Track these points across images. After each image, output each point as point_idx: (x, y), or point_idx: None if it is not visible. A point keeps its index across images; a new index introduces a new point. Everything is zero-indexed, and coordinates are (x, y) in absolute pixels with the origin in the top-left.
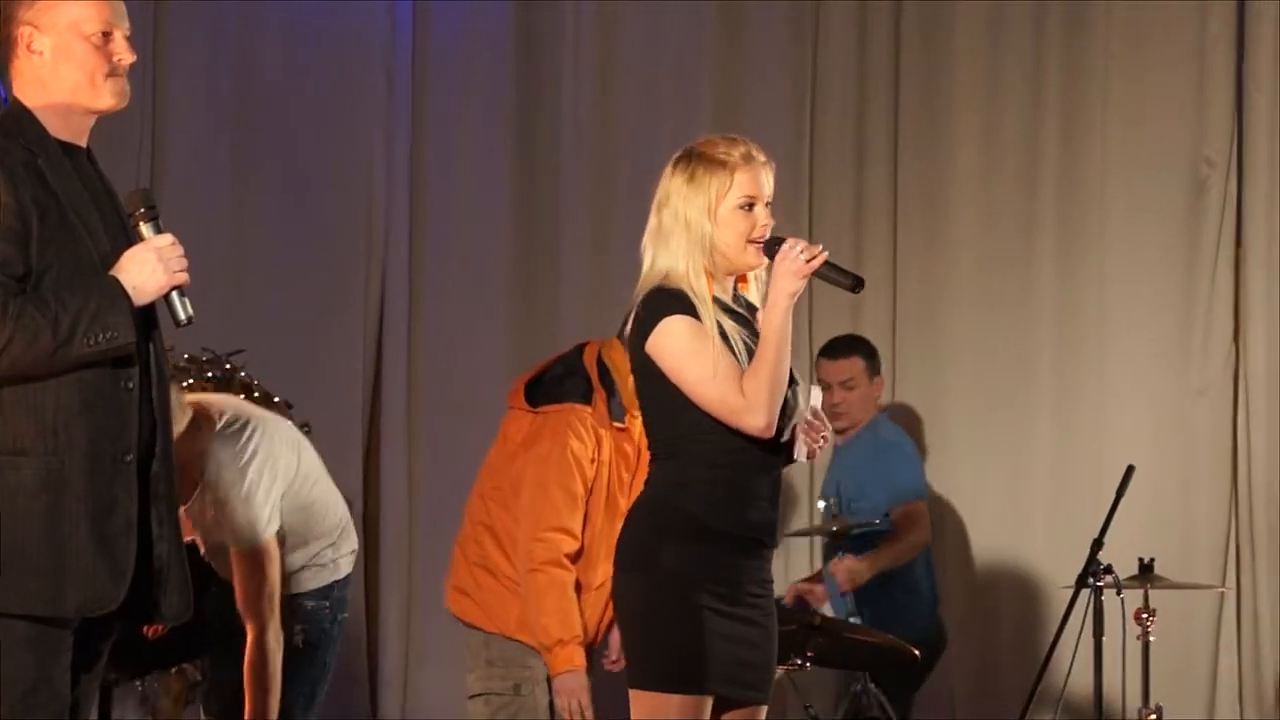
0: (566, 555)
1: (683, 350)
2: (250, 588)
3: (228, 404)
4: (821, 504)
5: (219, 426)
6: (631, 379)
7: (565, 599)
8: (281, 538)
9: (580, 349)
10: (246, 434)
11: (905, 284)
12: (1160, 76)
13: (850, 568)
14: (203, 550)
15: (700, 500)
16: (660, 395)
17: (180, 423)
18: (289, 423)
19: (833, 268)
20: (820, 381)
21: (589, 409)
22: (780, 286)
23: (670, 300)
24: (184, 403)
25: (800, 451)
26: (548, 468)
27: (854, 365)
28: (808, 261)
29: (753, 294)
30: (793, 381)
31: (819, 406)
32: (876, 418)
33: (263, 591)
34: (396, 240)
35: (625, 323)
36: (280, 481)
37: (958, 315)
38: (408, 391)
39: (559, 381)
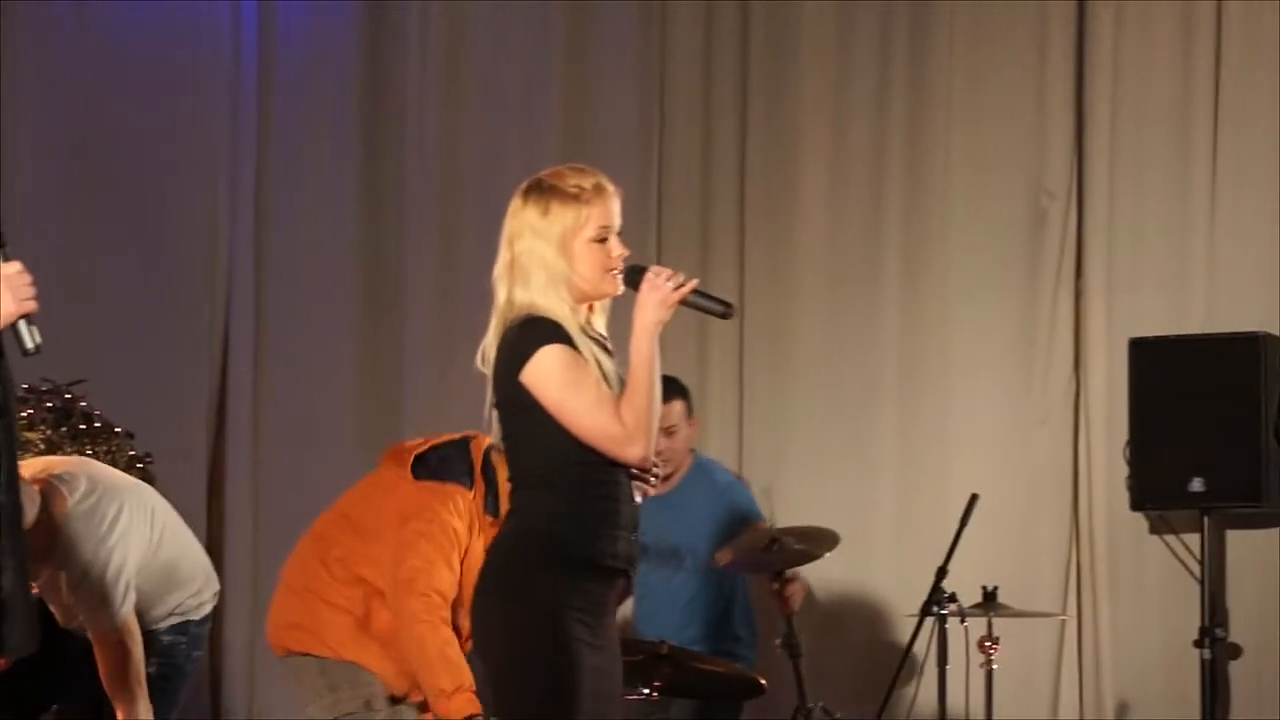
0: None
1: (562, 380)
2: (114, 668)
3: (77, 473)
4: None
5: (71, 504)
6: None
7: (453, 649)
8: (138, 609)
9: (468, 439)
10: (101, 512)
11: (753, 302)
12: (1001, 108)
13: (802, 588)
14: (59, 619)
15: (576, 530)
16: (533, 426)
17: (30, 513)
18: (143, 486)
19: (702, 295)
20: None
21: (471, 494)
22: (648, 315)
23: (546, 330)
24: (31, 491)
25: (638, 493)
26: (432, 541)
27: (675, 410)
28: (675, 290)
29: (599, 322)
30: None
31: None
32: (699, 460)
33: (128, 671)
34: (241, 265)
35: (489, 362)
36: (134, 557)
37: (805, 335)
38: (253, 420)
39: (446, 462)
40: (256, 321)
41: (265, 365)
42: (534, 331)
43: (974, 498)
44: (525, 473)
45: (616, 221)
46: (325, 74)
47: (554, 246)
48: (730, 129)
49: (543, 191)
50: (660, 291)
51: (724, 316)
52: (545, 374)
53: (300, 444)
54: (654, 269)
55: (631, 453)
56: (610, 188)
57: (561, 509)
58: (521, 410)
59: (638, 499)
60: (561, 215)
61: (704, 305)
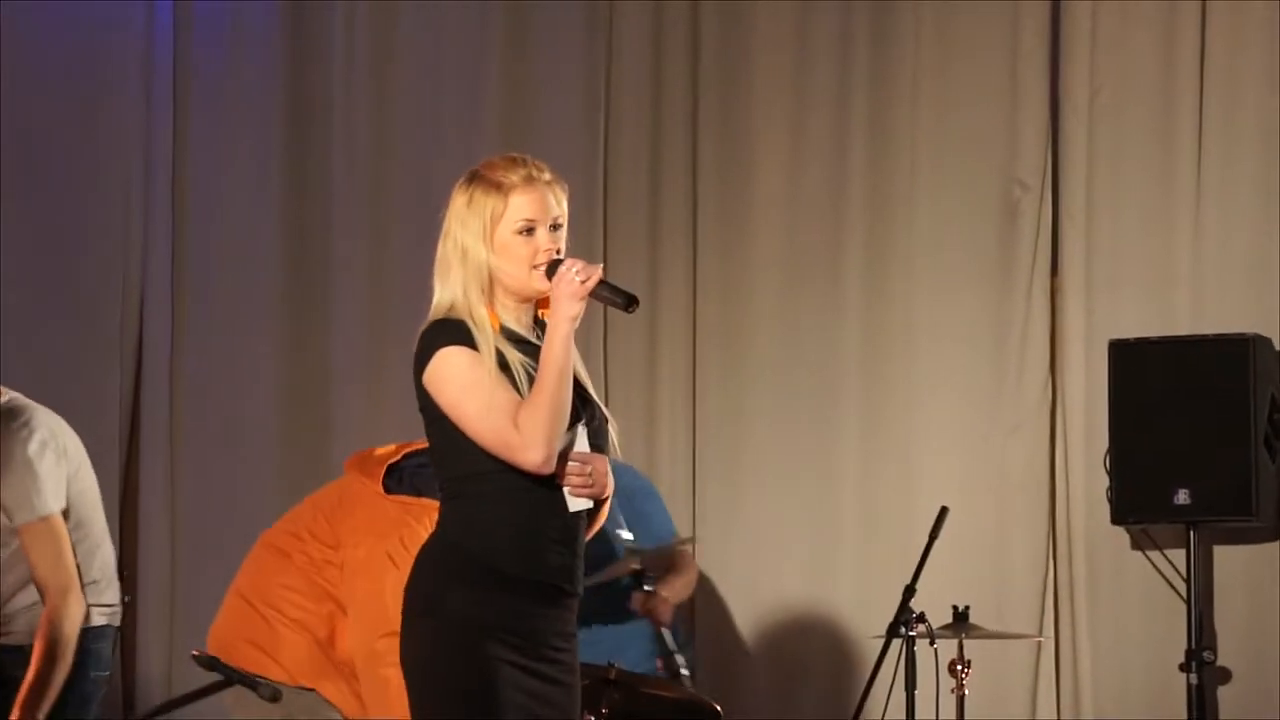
0: None
1: (458, 383)
2: (45, 558)
3: (6, 391)
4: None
5: None
6: None
7: None
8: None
9: None
10: (28, 413)
11: (705, 302)
12: (970, 93)
13: (667, 602)
14: None
15: (487, 542)
16: (445, 434)
17: None
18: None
19: (607, 286)
20: None
21: None
22: (559, 311)
23: (446, 331)
24: None
25: (572, 502)
26: (403, 566)
27: None
28: (583, 282)
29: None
30: (585, 419)
31: (580, 449)
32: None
33: (60, 560)
34: (156, 263)
35: (415, 359)
36: (66, 462)
37: (761, 339)
38: (169, 425)
39: (419, 472)
40: (173, 321)
41: (182, 366)
42: (435, 333)
43: (943, 511)
44: (444, 484)
45: (551, 213)
46: (247, 68)
47: (475, 238)
48: (680, 123)
49: (471, 181)
50: (569, 285)
51: (627, 309)
52: (441, 378)
53: (220, 449)
54: (567, 262)
55: (528, 458)
56: (545, 177)
57: (478, 521)
58: (433, 418)
59: (575, 507)
60: (484, 204)
61: (608, 298)
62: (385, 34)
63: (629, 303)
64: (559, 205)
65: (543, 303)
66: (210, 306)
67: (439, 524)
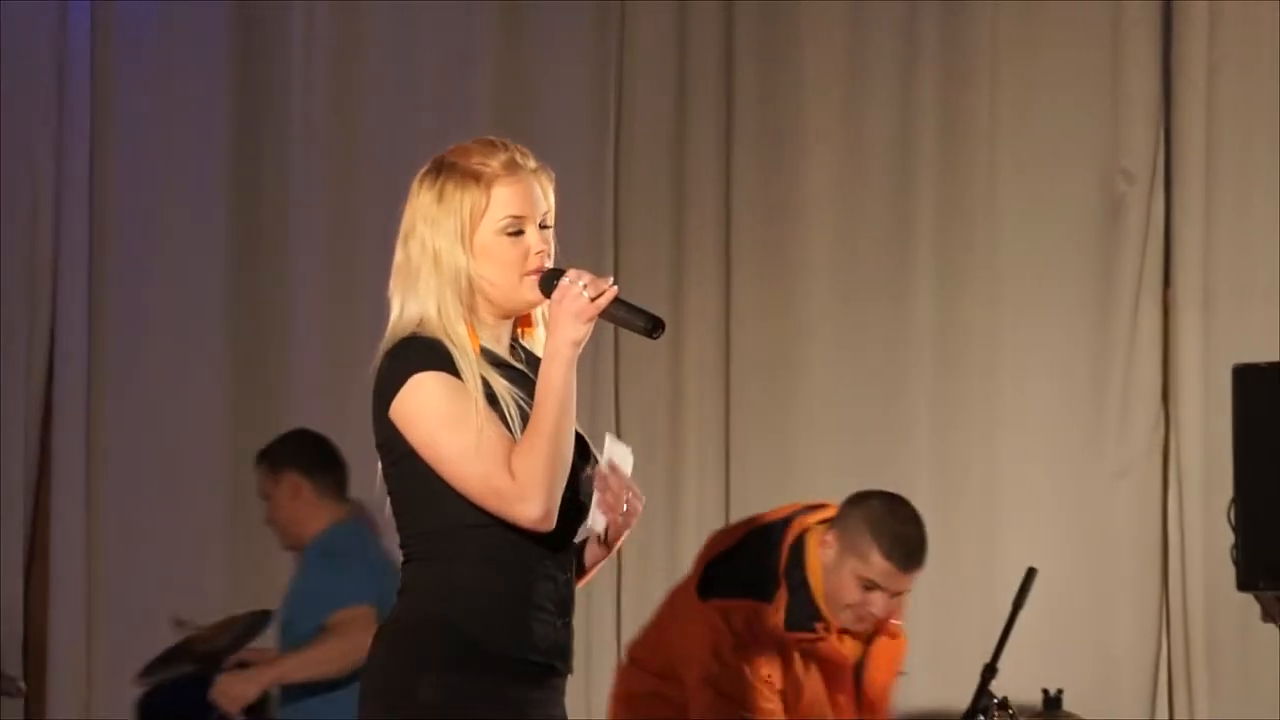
0: None
1: (436, 417)
2: None
3: None
4: None
5: None
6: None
7: None
8: None
9: (788, 519)
10: None
11: (742, 329)
12: (1063, 67)
13: (235, 687)
14: None
15: (469, 614)
16: (412, 477)
17: None
18: None
19: (624, 306)
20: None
21: (771, 607)
22: (561, 333)
23: (421, 352)
24: None
25: (593, 518)
26: (725, 695)
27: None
28: (593, 299)
29: (538, 341)
30: (586, 456)
31: (621, 463)
32: (330, 528)
33: None
34: (71, 275)
35: (375, 387)
36: None
37: (810, 369)
38: (86, 476)
39: (740, 567)
40: (90, 338)
41: (102, 409)
42: (407, 355)
43: (1031, 573)
44: (410, 541)
45: (540, 208)
46: (186, 66)
47: (450, 240)
48: (710, 110)
49: (439, 172)
50: (575, 302)
51: (649, 334)
52: (415, 409)
53: (152, 498)
54: (570, 274)
55: (524, 512)
56: (530, 164)
57: (449, 588)
58: (398, 457)
59: (593, 524)
60: (459, 200)
61: (626, 319)
62: (351, 27)
63: (653, 326)
64: (546, 198)
65: (522, 320)
66: (137, 324)
67: (403, 591)
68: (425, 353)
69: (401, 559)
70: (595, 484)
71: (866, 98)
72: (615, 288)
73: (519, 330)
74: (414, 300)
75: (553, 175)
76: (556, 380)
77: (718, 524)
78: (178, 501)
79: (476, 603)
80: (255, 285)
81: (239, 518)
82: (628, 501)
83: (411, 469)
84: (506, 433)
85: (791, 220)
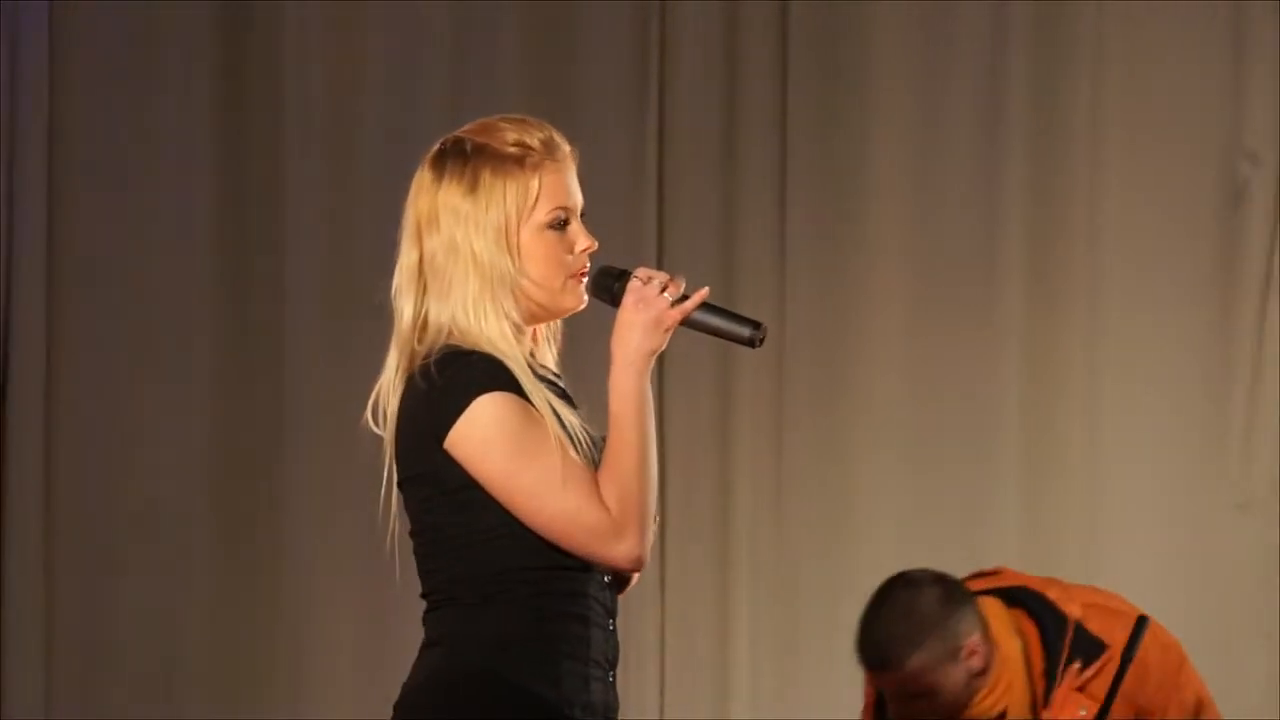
0: None
1: (514, 446)
2: None
3: None
4: None
5: None
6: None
7: None
8: None
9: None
10: None
11: (798, 336)
12: (1172, 38)
13: None
14: None
15: (526, 668)
16: (462, 515)
17: None
18: None
19: (717, 312)
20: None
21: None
22: (635, 342)
23: (481, 370)
24: None
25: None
26: None
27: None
28: (674, 305)
29: (546, 354)
30: None
31: None
32: None
33: None
34: (26, 263)
35: (388, 418)
36: None
37: (879, 377)
38: (45, 521)
39: None
40: (49, 336)
41: (60, 443)
42: (463, 373)
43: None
44: (451, 584)
45: (579, 198)
46: (164, 44)
47: (492, 238)
48: (764, 80)
49: (466, 157)
50: (652, 307)
51: (751, 343)
52: (486, 439)
53: (122, 542)
54: (640, 272)
55: (620, 551)
56: (565, 145)
57: (505, 637)
58: (444, 493)
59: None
60: (499, 190)
61: (721, 327)
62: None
63: (755, 333)
64: (577, 186)
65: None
66: (105, 323)
67: (437, 644)
68: (485, 370)
69: (427, 608)
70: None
71: (945, 75)
72: (705, 290)
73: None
74: (440, 305)
75: (577, 153)
76: (633, 395)
77: (772, 544)
78: (152, 541)
79: (526, 655)
80: (244, 292)
81: (217, 534)
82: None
83: (464, 502)
84: (584, 460)
85: (855, 208)
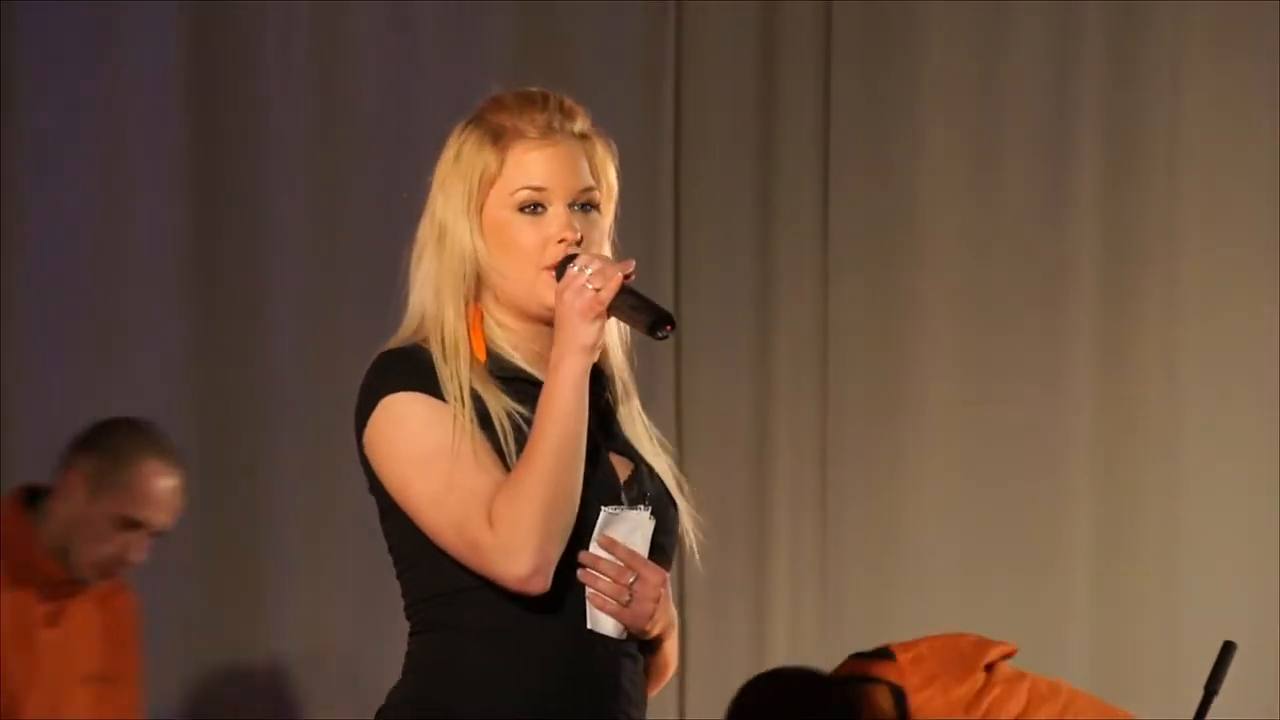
0: None
1: (407, 450)
2: None
3: None
4: None
5: None
6: None
7: None
8: None
9: None
10: None
11: (840, 346)
12: (1257, 15)
13: None
14: None
15: (475, 696)
16: (404, 529)
17: None
18: None
19: (630, 296)
20: None
21: None
22: (567, 336)
23: (395, 366)
24: None
25: (592, 618)
26: None
27: None
28: (597, 291)
29: (614, 356)
30: (646, 500)
31: (623, 536)
32: None
33: None
34: None
35: None
36: None
37: (934, 391)
38: None
39: None
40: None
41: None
42: (379, 370)
43: (1228, 648)
44: (409, 607)
45: (577, 185)
46: (134, 42)
47: (457, 212)
48: (803, 56)
49: (466, 126)
50: (578, 296)
51: (652, 333)
52: (385, 441)
53: None
54: (579, 259)
55: (506, 570)
56: (576, 127)
57: (449, 664)
58: (384, 506)
59: (595, 627)
60: (473, 161)
61: (628, 314)
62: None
63: (656, 322)
64: (593, 174)
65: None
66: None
67: (406, 668)
68: (400, 366)
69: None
70: (580, 574)
71: (1007, 40)
72: (626, 272)
73: None
74: (414, 290)
75: (613, 149)
76: (560, 399)
77: (815, 567)
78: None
79: (481, 680)
80: (220, 302)
81: (209, 602)
82: (632, 588)
83: (401, 519)
84: (494, 468)
85: (904, 202)
